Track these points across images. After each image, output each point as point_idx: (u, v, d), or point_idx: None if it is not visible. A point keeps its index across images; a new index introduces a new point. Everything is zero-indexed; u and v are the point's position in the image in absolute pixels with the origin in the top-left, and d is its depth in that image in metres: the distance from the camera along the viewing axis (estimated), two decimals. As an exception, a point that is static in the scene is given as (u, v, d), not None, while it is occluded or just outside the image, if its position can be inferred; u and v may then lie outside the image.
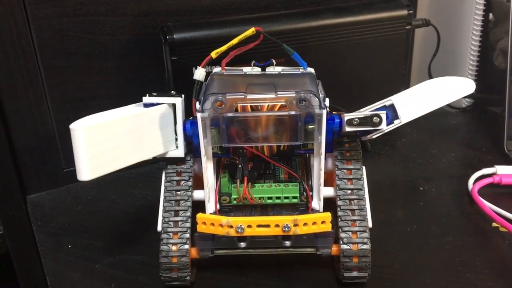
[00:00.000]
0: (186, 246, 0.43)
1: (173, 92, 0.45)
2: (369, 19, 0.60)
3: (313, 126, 0.42)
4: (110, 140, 0.42)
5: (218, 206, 0.46)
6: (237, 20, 0.57)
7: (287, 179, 0.47)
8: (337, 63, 0.60)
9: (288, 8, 0.63)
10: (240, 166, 0.45)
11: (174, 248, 0.43)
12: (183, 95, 0.45)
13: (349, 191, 0.45)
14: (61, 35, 0.55)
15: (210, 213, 0.45)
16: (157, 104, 0.45)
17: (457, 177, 0.60)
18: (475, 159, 0.63)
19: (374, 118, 0.42)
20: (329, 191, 0.46)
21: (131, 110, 0.44)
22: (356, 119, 0.43)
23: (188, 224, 0.44)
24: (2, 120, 0.55)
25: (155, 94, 0.45)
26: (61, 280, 0.47)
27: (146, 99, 0.45)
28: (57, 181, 0.60)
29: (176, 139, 0.46)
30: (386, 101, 0.45)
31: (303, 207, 0.46)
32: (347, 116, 0.43)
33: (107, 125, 0.42)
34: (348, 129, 0.43)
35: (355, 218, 0.44)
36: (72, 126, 0.41)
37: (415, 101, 0.46)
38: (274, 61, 0.47)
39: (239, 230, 0.42)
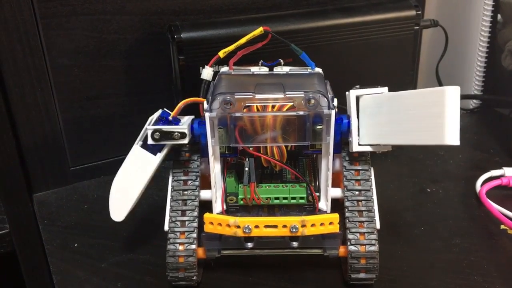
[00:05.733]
0: (193, 246, 0.43)
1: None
2: (377, 20, 0.60)
3: (321, 127, 0.42)
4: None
5: (224, 206, 0.46)
6: (244, 20, 0.57)
7: (294, 180, 0.47)
8: (344, 64, 0.60)
9: (295, 8, 0.63)
10: (246, 169, 0.45)
11: (181, 247, 0.43)
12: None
13: (357, 192, 0.45)
14: (69, 33, 0.55)
15: (217, 213, 0.45)
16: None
17: (464, 179, 0.59)
18: (482, 161, 0.63)
19: None
20: (336, 192, 0.46)
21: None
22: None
23: (195, 224, 0.44)
24: (10, 119, 0.55)
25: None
26: (67, 278, 0.47)
27: None
28: (64, 179, 0.60)
29: None
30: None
31: (310, 208, 0.46)
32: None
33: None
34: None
35: (363, 219, 0.44)
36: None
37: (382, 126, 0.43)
38: (282, 61, 0.47)
39: (247, 231, 0.42)
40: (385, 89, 0.44)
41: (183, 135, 0.43)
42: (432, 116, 0.40)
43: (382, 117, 0.43)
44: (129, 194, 0.45)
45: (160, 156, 0.45)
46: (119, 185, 0.45)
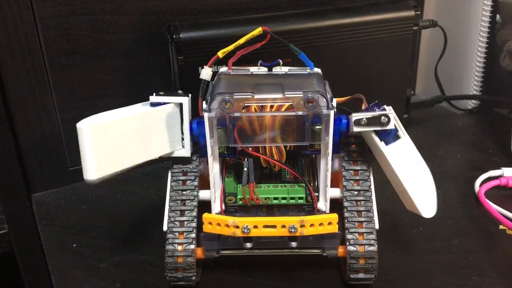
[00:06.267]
0: (192, 246, 0.43)
1: (180, 91, 0.45)
2: (376, 20, 0.60)
3: (320, 127, 0.42)
4: (116, 139, 0.42)
5: (223, 206, 0.46)
6: (243, 20, 0.57)
7: (293, 180, 0.47)
8: (343, 64, 0.60)
9: (295, 8, 0.63)
10: (245, 169, 0.44)
11: (179, 248, 0.43)
12: (190, 95, 0.45)
13: (356, 192, 0.45)
14: (68, 33, 0.55)
15: (216, 213, 0.45)
16: (164, 103, 0.45)
17: (463, 179, 0.59)
18: (481, 161, 0.63)
19: (382, 118, 0.42)
20: (335, 192, 0.46)
21: (138, 110, 0.44)
22: (364, 119, 0.42)
23: (194, 224, 0.44)
24: (8, 119, 0.55)
25: (162, 93, 0.45)
26: (66, 279, 0.47)
27: (153, 98, 0.45)
28: (63, 180, 0.60)
29: (183, 139, 0.45)
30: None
31: (309, 208, 0.46)
32: (354, 116, 0.43)
33: (113, 124, 0.42)
34: (356, 129, 0.43)
35: (362, 219, 0.44)
36: (79, 124, 0.41)
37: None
38: (280, 61, 0.47)
39: (245, 231, 0.42)
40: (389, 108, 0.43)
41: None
42: None
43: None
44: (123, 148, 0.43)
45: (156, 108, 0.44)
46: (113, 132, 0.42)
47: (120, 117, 0.43)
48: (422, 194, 0.43)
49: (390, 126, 0.42)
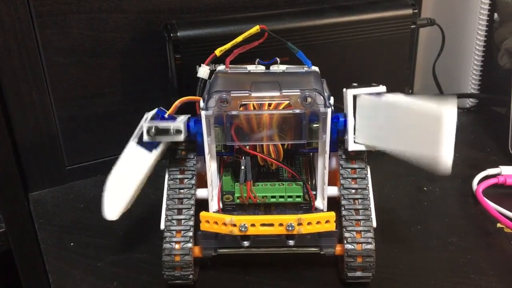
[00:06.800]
0: (189, 245, 0.43)
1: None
2: (373, 18, 0.60)
3: (317, 125, 0.42)
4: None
5: (221, 205, 0.46)
6: (241, 18, 0.56)
7: (290, 178, 0.47)
8: (341, 62, 0.60)
9: (292, 6, 0.63)
10: (242, 167, 0.44)
11: (177, 246, 0.43)
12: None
13: (353, 190, 0.45)
14: (65, 32, 0.55)
15: (213, 212, 0.45)
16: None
17: (461, 178, 0.59)
18: (479, 160, 0.63)
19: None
20: (333, 190, 0.46)
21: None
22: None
23: (191, 223, 0.44)
24: (5, 117, 0.55)
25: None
26: (63, 278, 0.47)
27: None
28: (60, 178, 0.60)
29: None
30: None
31: (307, 206, 0.45)
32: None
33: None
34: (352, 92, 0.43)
35: (359, 217, 0.44)
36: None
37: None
38: (278, 59, 0.47)
39: (243, 229, 0.42)
40: (383, 88, 0.43)
41: (178, 132, 0.43)
42: (429, 132, 0.39)
43: (379, 120, 0.42)
44: (124, 191, 0.44)
45: (155, 153, 0.44)
46: (114, 182, 0.45)
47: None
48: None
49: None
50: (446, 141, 0.39)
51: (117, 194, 0.44)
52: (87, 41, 0.56)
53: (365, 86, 0.44)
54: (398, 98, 0.42)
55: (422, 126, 0.40)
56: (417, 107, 0.40)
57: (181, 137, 0.43)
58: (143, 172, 0.44)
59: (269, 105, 0.42)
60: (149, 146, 0.44)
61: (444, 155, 0.39)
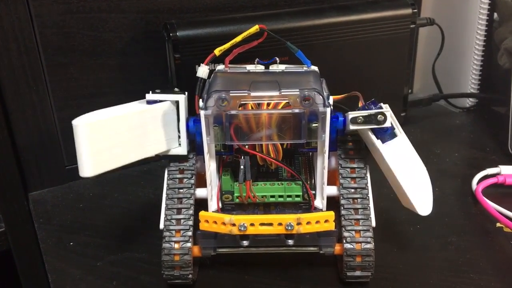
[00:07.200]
0: (189, 244, 0.43)
1: (176, 89, 0.45)
2: (373, 18, 0.60)
3: (317, 125, 0.42)
4: (112, 136, 0.42)
5: (220, 204, 0.46)
6: (240, 18, 0.57)
7: (290, 178, 0.47)
8: (341, 62, 0.60)
9: (292, 6, 0.63)
10: (242, 167, 0.44)
11: (176, 246, 0.43)
12: (186, 93, 0.45)
13: (352, 190, 0.45)
14: (64, 32, 0.55)
15: (213, 211, 0.45)
16: (160, 101, 0.45)
17: (461, 177, 0.59)
18: (479, 159, 0.63)
19: (379, 116, 0.42)
20: (332, 190, 0.46)
21: (134, 107, 0.44)
22: (361, 117, 0.42)
23: (191, 222, 0.44)
24: (5, 117, 0.55)
25: (158, 91, 0.45)
26: (62, 277, 0.47)
27: (149, 96, 0.44)
28: (59, 178, 0.60)
29: (179, 137, 0.45)
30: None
31: (306, 206, 0.45)
32: (351, 114, 0.43)
33: (109, 121, 0.42)
34: (352, 127, 0.43)
35: (358, 217, 0.44)
36: (74, 122, 0.41)
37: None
38: (277, 59, 0.47)
39: (242, 228, 0.42)
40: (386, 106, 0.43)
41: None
42: None
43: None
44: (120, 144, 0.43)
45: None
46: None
47: (116, 114, 0.43)
48: (418, 192, 0.43)
49: (387, 124, 0.42)
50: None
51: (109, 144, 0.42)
52: (87, 41, 0.56)
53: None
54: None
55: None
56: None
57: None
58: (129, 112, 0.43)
59: (268, 104, 0.42)
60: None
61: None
